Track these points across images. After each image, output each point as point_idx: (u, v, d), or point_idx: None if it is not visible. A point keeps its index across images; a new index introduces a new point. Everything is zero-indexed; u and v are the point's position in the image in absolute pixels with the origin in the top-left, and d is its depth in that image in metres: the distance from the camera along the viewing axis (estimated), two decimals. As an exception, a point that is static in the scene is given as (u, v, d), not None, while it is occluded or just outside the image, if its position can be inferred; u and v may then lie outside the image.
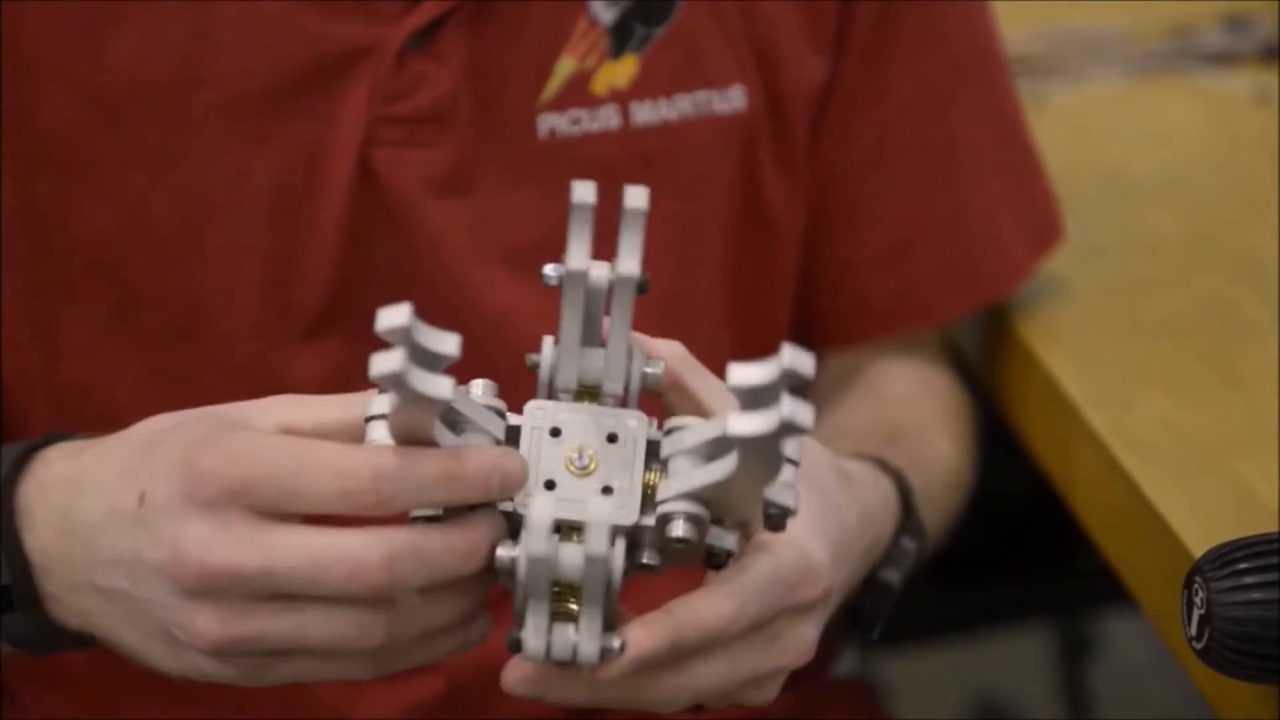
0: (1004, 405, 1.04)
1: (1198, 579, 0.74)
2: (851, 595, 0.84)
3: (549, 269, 0.70)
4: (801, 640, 0.73)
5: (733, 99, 0.92)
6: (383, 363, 0.63)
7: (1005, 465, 1.12)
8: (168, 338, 0.89)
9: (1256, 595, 0.72)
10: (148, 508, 0.67)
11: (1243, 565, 0.73)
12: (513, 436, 0.69)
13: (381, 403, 0.69)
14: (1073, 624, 1.59)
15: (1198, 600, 0.74)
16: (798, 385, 0.63)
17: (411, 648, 0.69)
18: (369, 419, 0.69)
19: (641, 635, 0.68)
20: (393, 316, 0.63)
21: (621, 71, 0.90)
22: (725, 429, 0.64)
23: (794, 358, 0.63)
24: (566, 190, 0.87)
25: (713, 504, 0.69)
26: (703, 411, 0.73)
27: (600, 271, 0.68)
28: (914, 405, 0.99)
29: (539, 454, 0.69)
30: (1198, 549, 0.77)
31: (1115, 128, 1.22)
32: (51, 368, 0.90)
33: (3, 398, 0.91)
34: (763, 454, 0.65)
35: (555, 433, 0.69)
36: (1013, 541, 1.41)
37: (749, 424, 0.64)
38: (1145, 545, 0.88)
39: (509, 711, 0.92)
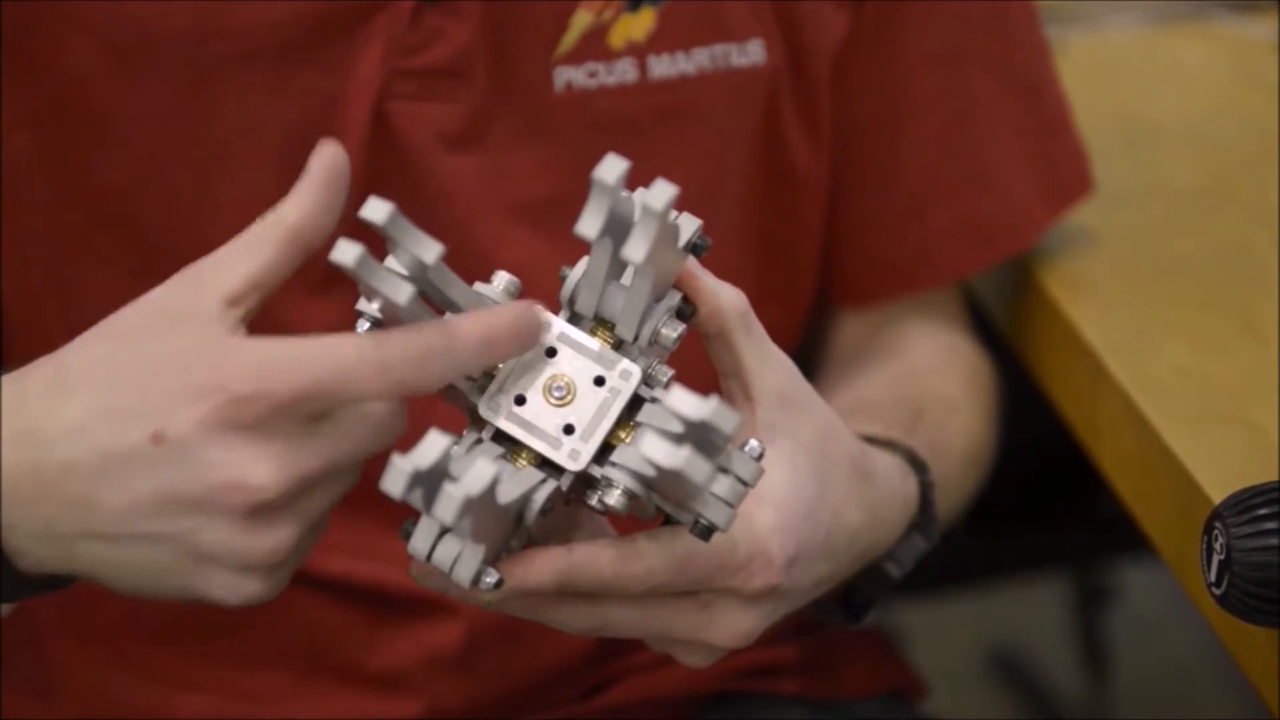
0: (1025, 354, 1.04)
1: (1217, 525, 0.74)
2: (849, 581, 0.84)
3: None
4: (736, 624, 0.74)
5: (752, 53, 0.91)
6: (342, 252, 0.64)
7: (1024, 413, 1.12)
8: None
9: (1276, 541, 0.72)
10: (171, 444, 0.65)
11: (1263, 511, 0.73)
12: None
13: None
14: (1090, 573, 1.60)
15: (1217, 546, 0.74)
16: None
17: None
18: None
19: (523, 572, 0.69)
20: (374, 210, 0.64)
21: (639, 25, 0.90)
22: (640, 450, 0.64)
23: (717, 413, 0.63)
24: (582, 145, 0.88)
25: (656, 487, 0.69)
26: (740, 370, 0.73)
27: (592, 238, 0.68)
28: (939, 378, 0.99)
29: (526, 365, 0.69)
30: (1217, 495, 0.77)
31: (1135, 74, 1.21)
32: (66, 315, 0.90)
33: (16, 343, 0.91)
34: (678, 481, 0.66)
35: (550, 352, 0.70)
36: (1031, 490, 1.41)
37: (659, 452, 0.64)
38: (1165, 492, 0.88)
39: (528, 662, 0.92)
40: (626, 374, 0.69)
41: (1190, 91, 1.18)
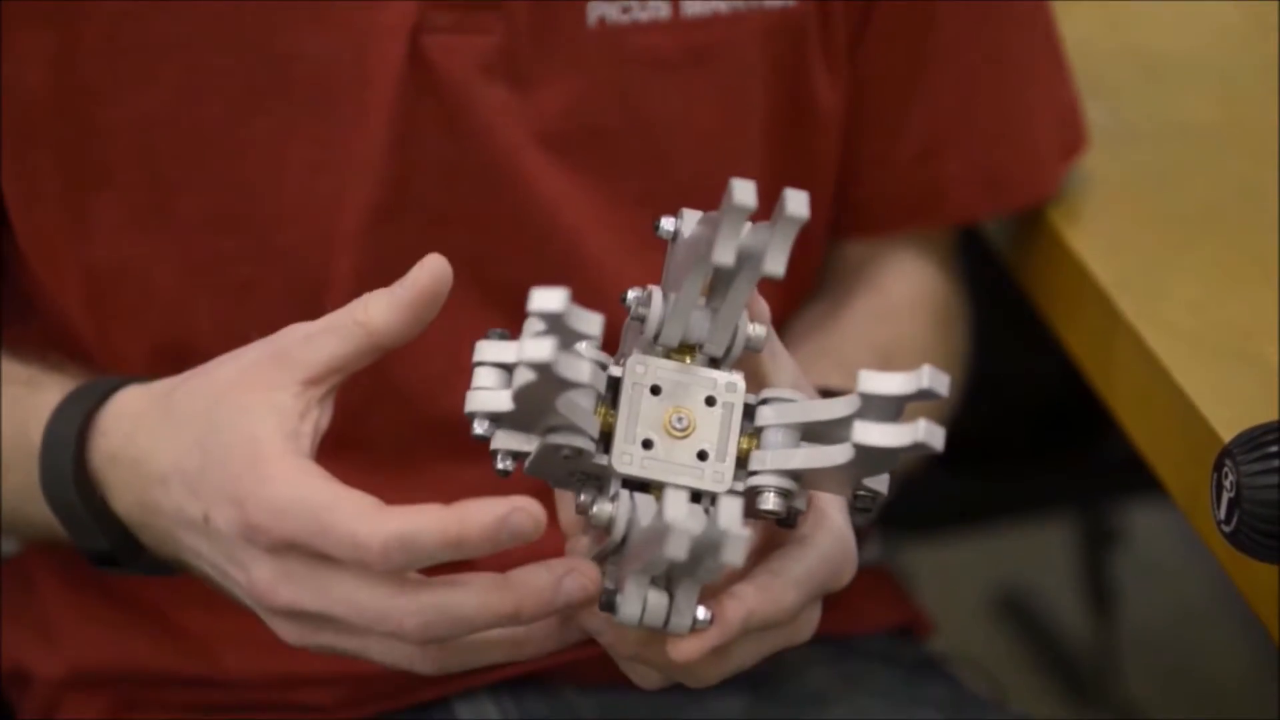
0: (1034, 292, 1.03)
1: (1227, 462, 0.73)
2: None
3: (666, 223, 0.71)
4: (813, 621, 0.75)
5: None
6: (534, 349, 0.64)
7: (1032, 354, 1.12)
8: (206, 223, 0.89)
9: (1287, 478, 0.72)
10: (214, 531, 0.72)
11: (1273, 448, 0.72)
12: (613, 387, 0.70)
13: (495, 350, 0.69)
14: (1097, 515, 1.60)
15: (1227, 484, 0.73)
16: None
17: (471, 660, 0.72)
18: (478, 364, 0.69)
19: (719, 617, 0.69)
20: (546, 300, 0.64)
21: None
22: (851, 434, 0.66)
23: (933, 378, 0.65)
24: (614, 80, 0.88)
25: (803, 479, 0.70)
26: (760, 375, 0.73)
27: (730, 265, 0.67)
28: (910, 320, 1.00)
29: (638, 410, 0.70)
30: (1228, 434, 0.77)
31: (1147, 10, 1.20)
32: (83, 250, 0.89)
33: (33, 277, 0.91)
34: (880, 460, 0.67)
35: (655, 390, 0.70)
36: (1038, 431, 1.41)
37: (879, 436, 0.66)
38: (1175, 430, 0.87)
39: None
40: (732, 386, 0.70)
41: (1203, 27, 1.17)
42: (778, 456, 0.70)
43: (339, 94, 0.87)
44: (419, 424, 0.91)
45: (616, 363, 0.70)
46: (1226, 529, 0.74)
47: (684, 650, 0.69)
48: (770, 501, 0.69)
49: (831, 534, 0.73)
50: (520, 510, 0.67)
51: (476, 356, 0.69)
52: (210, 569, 0.74)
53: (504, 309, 0.86)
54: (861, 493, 0.71)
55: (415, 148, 0.88)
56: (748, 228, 0.67)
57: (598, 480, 0.70)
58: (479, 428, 0.69)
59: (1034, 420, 1.41)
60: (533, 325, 0.65)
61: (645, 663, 0.72)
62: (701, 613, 0.68)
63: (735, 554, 0.62)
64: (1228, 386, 0.86)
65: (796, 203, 0.66)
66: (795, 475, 0.70)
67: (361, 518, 0.68)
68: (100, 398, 0.79)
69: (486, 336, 0.70)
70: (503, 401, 0.68)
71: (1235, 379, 0.87)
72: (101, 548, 0.79)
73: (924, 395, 0.65)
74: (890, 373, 0.66)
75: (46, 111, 0.87)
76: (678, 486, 0.69)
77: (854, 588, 1.01)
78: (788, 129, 0.94)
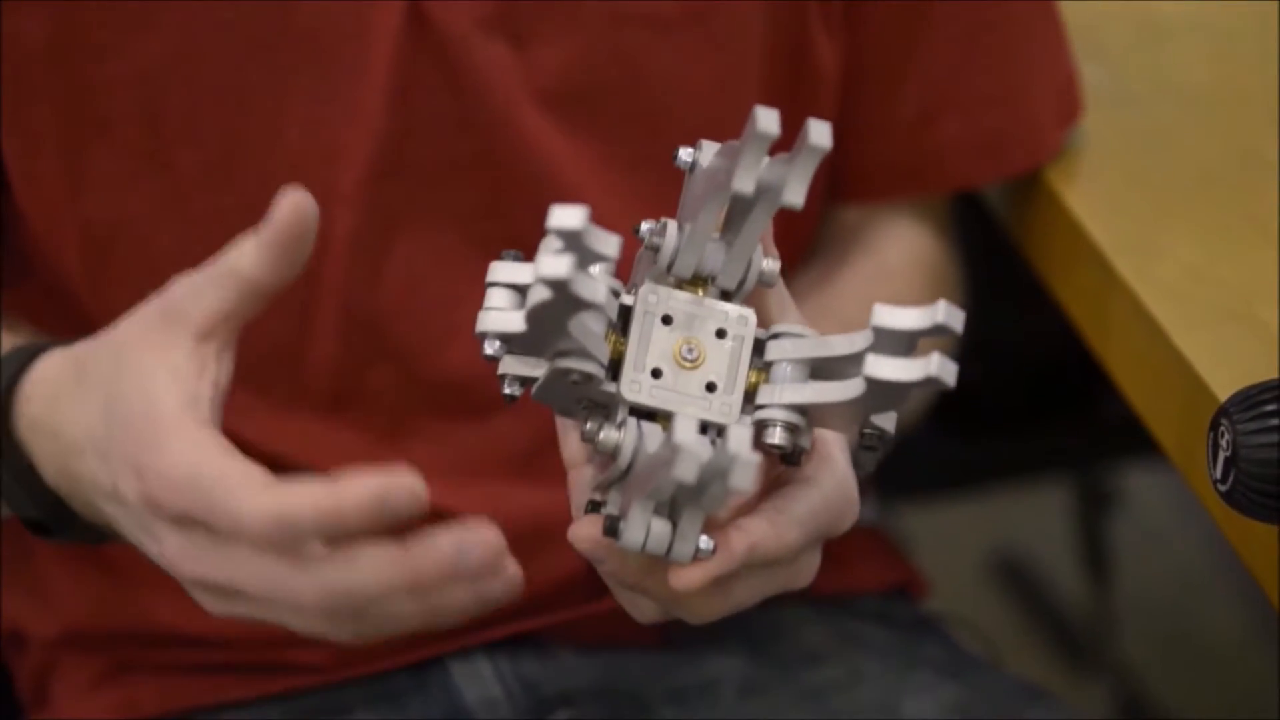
0: (1030, 254, 1.03)
1: (1224, 421, 0.73)
2: None
3: (684, 153, 0.70)
4: (813, 565, 0.74)
5: None
6: (551, 266, 0.63)
7: (1030, 316, 1.12)
8: (203, 177, 0.89)
9: (1282, 437, 0.72)
10: (124, 500, 0.71)
11: (1269, 407, 0.73)
12: (624, 316, 0.70)
13: (509, 271, 0.69)
14: (1094, 478, 1.60)
15: (1223, 443, 0.73)
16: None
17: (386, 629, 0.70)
18: (491, 284, 0.69)
19: (736, 540, 0.69)
20: (566, 218, 0.63)
21: None
22: (864, 368, 0.65)
23: (948, 313, 0.64)
24: (614, 39, 0.87)
25: (810, 415, 0.69)
26: (766, 316, 0.73)
27: (749, 194, 0.67)
28: (905, 280, 1.00)
29: (649, 339, 0.69)
30: (1224, 394, 0.77)
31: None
32: (80, 206, 0.89)
33: (29, 231, 0.91)
34: (890, 396, 0.67)
35: (666, 320, 0.70)
36: (1035, 393, 1.41)
37: (891, 370, 0.65)
38: (1171, 391, 0.87)
39: (541, 568, 0.92)
40: (744, 319, 0.70)
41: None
42: (787, 390, 0.69)
43: (338, 49, 0.87)
44: (417, 383, 0.91)
45: (628, 291, 0.70)
46: (1223, 488, 0.74)
47: (686, 578, 0.68)
48: (777, 435, 0.69)
49: (835, 477, 0.72)
50: (397, 487, 0.66)
51: (490, 276, 0.69)
52: (131, 537, 0.73)
53: None
54: (868, 431, 0.70)
55: (413, 104, 0.87)
56: (766, 161, 0.66)
57: (604, 409, 0.70)
58: (489, 348, 0.69)
59: (1031, 383, 1.40)
60: (550, 244, 0.64)
61: (645, 593, 0.71)
62: (705, 542, 0.68)
63: (744, 479, 0.62)
64: (1224, 347, 0.86)
65: (819, 133, 0.65)
66: (803, 410, 0.69)
67: (243, 495, 0.67)
68: (23, 363, 0.78)
69: (501, 257, 0.69)
70: (515, 322, 0.68)
71: (1231, 339, 0.87)
72: (35, 514, 0.78)
73: (938, 331, 0.65)
74: (905, 307, 0.65)
75: (45, 65, 0.87)
76: (686, 415, 0.68)
77: (850, 547, 1.01)
78: (786, 89, 0.93)
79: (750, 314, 0.70)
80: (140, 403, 0.71)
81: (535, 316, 0.66)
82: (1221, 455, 0.73)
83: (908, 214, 1.01)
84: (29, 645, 0.96)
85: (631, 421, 0.69)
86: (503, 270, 0.69)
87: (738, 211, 0.69)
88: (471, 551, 0.67)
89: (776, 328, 0.71)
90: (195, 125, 0.88)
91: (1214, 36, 1.12)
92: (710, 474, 0.63)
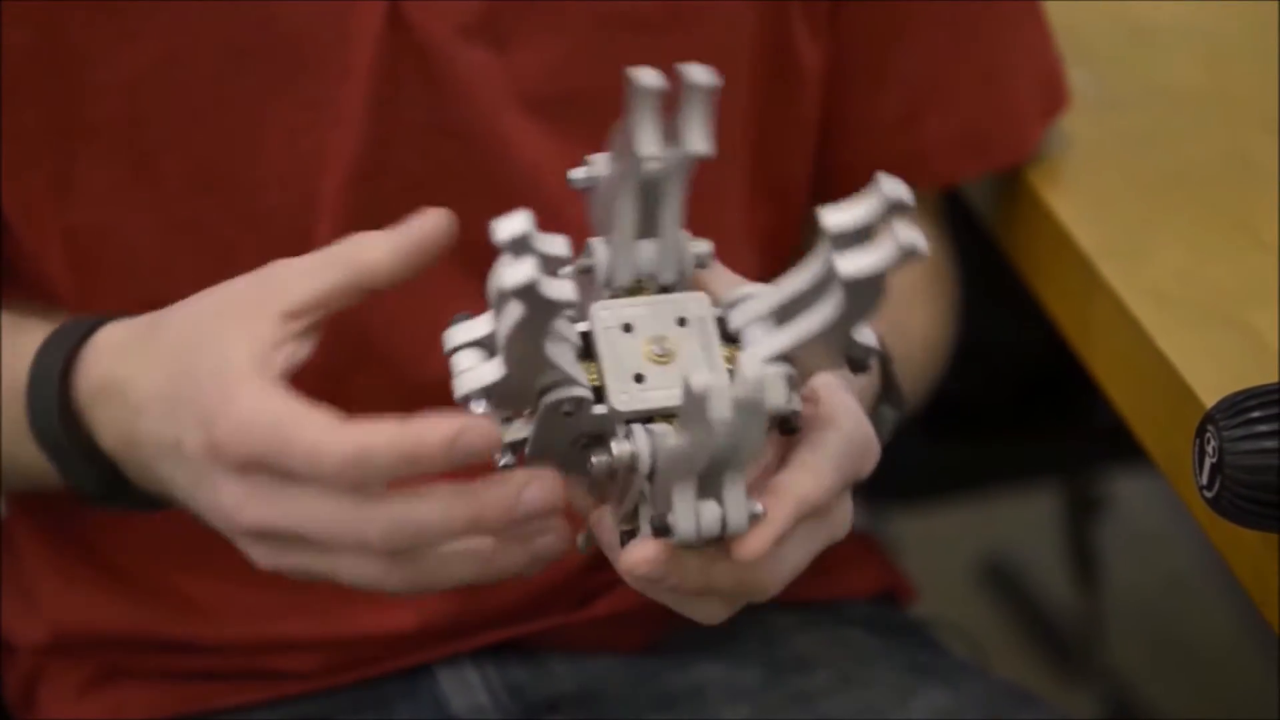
0: (1016, 257, 1.03)
1: (1210, 427, 0.73)
2: None
3: (578, 173, 0.71)
4: (848, 513, 0.74)
5: None
6: (515, 274, 0.63)
7: (1018, 322, 1.12)
8: (188, 185, 0.88)
9: (1268, 444, 0.72)
10: (185, 455, 0.72)
11: (1255, 414, 0.72)
12: (587, 341, 0.69)
13: (465, 330, 0.69)
14: (1082, 483, 1.60)
15: (1209, 449, 0.73)
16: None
17: (439, 575, 0.71)
18: (452, 351, 0.69)
19: (772, 505, 0.68)
20: (512, 226, 0.63)
21: None
22: (837, 272, 0.64)
23: (892, 188, 0.63)
24: (597, 43, 0.87)
25: (797, 362, 0.69)
26: (709, 295, 0.72)
27: (657, 155, 0.66)
28: (898, 279, 0.99)
29: (618, 351, 0.69)
30: (1210, 400, 0.77)
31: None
32: (64, 210, 0.89)
33: (14, 239, 0.90)
34: (868, 294, 0.65)
35: (627, 328, 0.70)
36: (1023, 399, 1.41)
37: (861, 262, 0.63)
38: (1158, 396, 0.87)
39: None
40: (699, 300, 0.70)
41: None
42: (765, 346, 0.69)
43: (320, 55, 0.87)
44: (400, 388, 0.90)
45: (579, 321, 0.70)
46: (1209, 494, 0.74)
47: (750, 545, 0.67)
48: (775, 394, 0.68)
49: (850, 414, 0.72)
50: (472, 428, 0.67)
51: (448, 345, 0.69)
52: (184, 496, 0.74)
53: (483, 271, 0.86)
54: (855, 353, 0.69)
55: (395, 109, 0.87)
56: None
57: (602, 440, 0.70)
58: (476, 409, 0.69)
59: (1019, 388, 1.40)
60: (504, 261, 0.64)
61: (710, 588, 0.70)
62: (755, 506, 0.67)
63: (778, 392, 0.61)
64: (1210, 351, 0.86)
65: (698, 72, 0.65)
66: (789, 358, 0.68)
67: (321, 431, 0.68)
68: (84, 334, 0.79)
69: (451, 324, 0.69)
70: (492, 370, 0.68)
71: (1217, 344, 0.87)
72: (90, 484, 0.79)
73: (895, 208, 0.63)
74: (849, 203, 0.64)
75: (32, 72, 0.87)
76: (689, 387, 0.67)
77: (839, 553, 1.01)
78: (770, 90, 0.93)
79: (702, 295, 0.70)
80: (214, 361, 0.71)
81: (512, 342, 0.66)
82: (1208, 462, 0.73)
83: None
84: (17, 651, 0.96)
85: (637, 428, 0.69)
86: (459, 332, 0.69)
87: (653, 191, 0.69)
88: (532, 491, 0.68)
89: (730, 295, 0.70)
90: (179, 132, 0.88)
91: (1201, 39, 1.12)
92: (744, 410, 0.62)
